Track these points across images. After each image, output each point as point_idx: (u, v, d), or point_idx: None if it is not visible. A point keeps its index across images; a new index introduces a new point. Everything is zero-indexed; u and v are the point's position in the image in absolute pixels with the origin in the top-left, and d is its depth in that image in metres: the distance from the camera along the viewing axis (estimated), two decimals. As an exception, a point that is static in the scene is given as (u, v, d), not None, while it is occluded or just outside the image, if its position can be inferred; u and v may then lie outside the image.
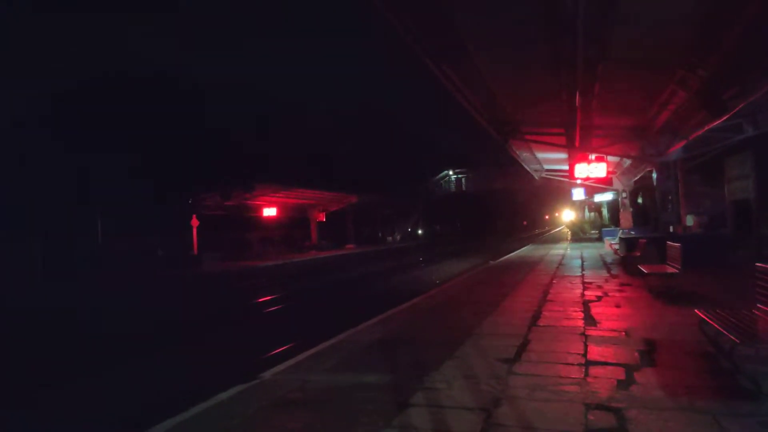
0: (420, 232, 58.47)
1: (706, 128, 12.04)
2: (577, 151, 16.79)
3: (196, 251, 28.12)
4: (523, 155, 21.92)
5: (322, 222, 42.20)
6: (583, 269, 14.32)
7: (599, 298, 8.92)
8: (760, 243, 14.71)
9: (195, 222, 27.96)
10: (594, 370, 4.68)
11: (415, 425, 3.64)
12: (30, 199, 23.16)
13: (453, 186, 55.45)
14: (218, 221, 32.66)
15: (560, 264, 16.45)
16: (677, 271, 8.35)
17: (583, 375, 4.56)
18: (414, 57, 9.48)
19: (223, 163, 30.44)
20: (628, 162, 20.43)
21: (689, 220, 18.62)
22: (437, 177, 56.04)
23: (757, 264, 4.90)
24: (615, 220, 30.14)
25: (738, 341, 4.07)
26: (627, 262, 13.10)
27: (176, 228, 28.41)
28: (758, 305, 4.80)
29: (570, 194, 34.15)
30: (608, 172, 18.53)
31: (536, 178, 29.70)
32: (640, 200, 29.58)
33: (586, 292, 9.71)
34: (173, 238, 28.52)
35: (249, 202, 33.78)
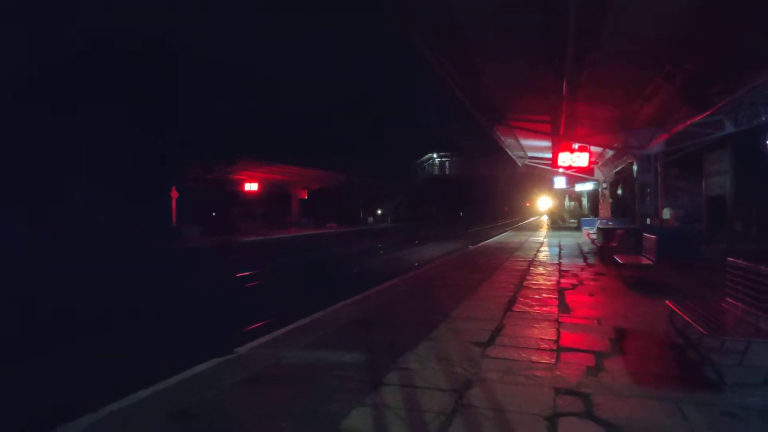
0: (401, 214, 58.52)
1: (689, 123, 12.20)
2: (561, 140, 16.87)
3: (175, 224, 27.79)
4: (508, 141, 21.99)
5: (303, 199, 42.03)
6: (560, 257, 14.51)
7: (574, 287, 9.06)
8: (733, 238, 15.07)
9: (174, 194, 27.61)
10: (565, 356, 4.77)
11: (387, 403, 3.69)
12: (10, 168, 22.57)
13: (437, 169, 55.61)
14: (199, 194, 32.31)
15: (538, 251, 16.65)
16: (652, 262, 8.51)
17: (554, 360, 4.65)
18: (407, 41, 9.42)
19: (206, 136, 29.95)
20: (610, 153, 20.62)
21: (666, 213, 18.97)
22: (421, 160, 56.03)
23: (728, 258, 5.01)
24: (594, 209, 30.58)
25: (705, 333, 4.16)
26: (604, 252, 13.30)
27: (156, 200, 27.99)
28: (727, 298, 4.93)
29: (551, 182, 34.43)
30: (590, 162, 18.67)
31: (519, 165, 29.88)
32: (619, 191, 30.00)
33: (562, 280, 9.85)
34: (152, 209, 28.09)
35: (231, 176, 33.46)
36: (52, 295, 12.14)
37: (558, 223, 37.37)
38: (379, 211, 57.07)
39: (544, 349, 5.02)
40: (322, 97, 53.85)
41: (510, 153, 26.12)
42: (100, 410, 3.67)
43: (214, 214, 33.87)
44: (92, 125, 25.41)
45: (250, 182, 35.19)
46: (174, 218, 27.70)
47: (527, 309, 7.06)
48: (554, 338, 5.43)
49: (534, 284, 9.40)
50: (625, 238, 12.26)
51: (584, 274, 10.74)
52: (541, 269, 11.74)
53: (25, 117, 23.12)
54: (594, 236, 16.92)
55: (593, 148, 19.48)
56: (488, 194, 77.07)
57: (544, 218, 51.43)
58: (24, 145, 23.08)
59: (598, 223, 19.93)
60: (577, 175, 25.59)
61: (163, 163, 28.04)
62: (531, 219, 70.79)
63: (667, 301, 5.36)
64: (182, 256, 21.22)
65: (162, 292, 12.46)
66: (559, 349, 5.01)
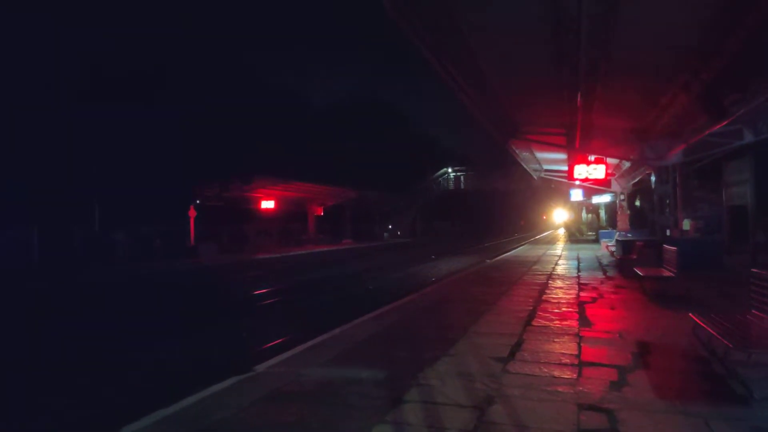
0: (418, 228, 58.44)
1: (707, 132, 12.06)
2: (577, 152, 16.78)
3: (193, 242, 28.05)
4: (523, 155, 21.91)
5: (319, 216, 42.23)
6: (579, 270, 14.35)
7: (594, 300, 8.95)
8: (755, 249, 14.78)
9: (192, 213, 27.88)
10: (587, 371, 4.71)
11: (408, 421, 3.66)
12: (27, 184, 23.09)
13: (452, 184, 55.56)
14: (216, 212, 32.56)
15: (556, 264, 16.49)
16: (673, 274, 8.39)
17: (576, 375, 4.59)
18: (420, 56, 9.49)
19: (223, 154, 30.42)
20: (627, 164, 20.43)
21: (686, 225, 18.67)
22: (436, 174, 56.09)
23: (752, 270, 4.93)
24: (612, 222, 30.24)
25: (731, 346, 4.09)
26: (623, 265, 13.14)
27: (174, 218, 28.34)
28: (752, 311, 4.83)
29: (568, 195, 34.17)
30: (607, 174, 18.52)
31: (535, 178, 29.72)
32: (637, 203, 29.64)
33: (582, 294, 9.74)
34: (170, 227, 28.42)
35: (247, 194, 33.76)
36: (65, 314, 12.30)
37: (575, 236, 36.98)
38: (392, 226, 57.03)
39: (566, 364, 4.96)
40: (337, 114, 54.27)
41: (525, 166, 26.02)
42: (122, 429, 3.70)
43: (231, 231, 34.09)
44: (108, 147, 25.93)
45: (267, 200, 35.46)
46: (192, 236, 27.97)
47: (547, 323, 6.99)
48: (575, 353, 5.36)
49: (553, 298, 9.30)
50: (645, 250, 12.10)
51: (604, 287, 10.61)
52: (560, 283, 11.62)
53: (38, 135, 23.68)
54: (613, 248, 16.74)
55: (610, 160, 19.35)
56: (504, 208, 76.66)
57: (561, 231, 50.94)
58: (38, 164, 23.57)
59: (616, 235, 19.69)
60: (593, 187, 25.38)
61: (181, 182, 28.44)
62: (547, 232, 70.18)
63: (690, 314, 5.28)
64: (200, 274, 21.39)
65: (179, 309, 12.55)
66: (580, 364, 4.94)
